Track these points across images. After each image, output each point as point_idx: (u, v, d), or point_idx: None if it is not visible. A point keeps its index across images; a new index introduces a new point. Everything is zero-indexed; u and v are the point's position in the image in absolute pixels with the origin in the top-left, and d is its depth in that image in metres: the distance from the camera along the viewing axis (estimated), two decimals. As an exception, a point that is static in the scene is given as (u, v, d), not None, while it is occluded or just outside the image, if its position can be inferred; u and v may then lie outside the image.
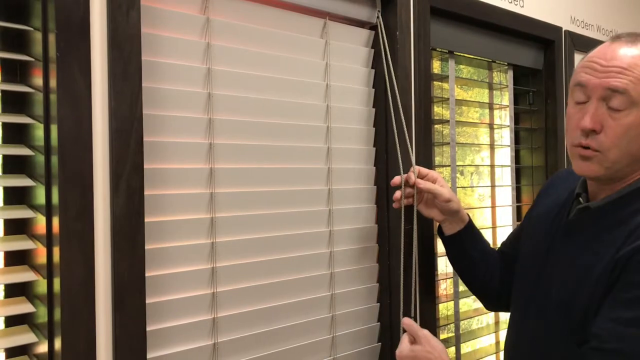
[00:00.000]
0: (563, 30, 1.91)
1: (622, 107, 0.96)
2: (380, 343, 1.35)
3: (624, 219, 0.98)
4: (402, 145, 1.32)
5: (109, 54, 0.89)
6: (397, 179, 1.27)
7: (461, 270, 1.36)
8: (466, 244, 1.31)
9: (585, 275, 0.99)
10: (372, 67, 1.37)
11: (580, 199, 1.09)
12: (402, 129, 1.32)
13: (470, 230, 1.32)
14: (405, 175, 1.28)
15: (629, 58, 0.97)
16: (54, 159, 0.84)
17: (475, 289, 1.37)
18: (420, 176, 1.28)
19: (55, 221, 0.83)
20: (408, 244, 1.31)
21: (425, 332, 1.17)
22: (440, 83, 1.62)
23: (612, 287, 0.95)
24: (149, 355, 0.94)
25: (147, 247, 0.93)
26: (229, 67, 1.09)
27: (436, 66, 1.61)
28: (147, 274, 0.93)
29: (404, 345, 1.16)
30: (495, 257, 1.32)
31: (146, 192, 0.93)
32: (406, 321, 1.20)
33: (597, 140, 0.98)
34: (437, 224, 1.36)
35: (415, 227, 1.31)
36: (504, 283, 1.28)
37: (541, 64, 1.87)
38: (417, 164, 1.36)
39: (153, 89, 0.98)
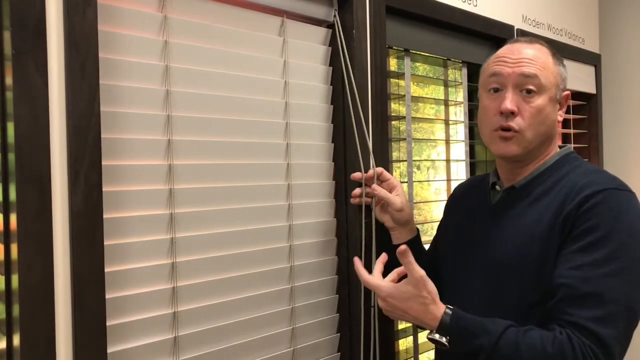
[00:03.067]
0: (515, 28, 1.97)
1: (536, 89, 1.11)
2: (339, 334, 1.39)
3: (546, 190, 1.12)
4: (361, 141, 1.35)
5: (65, 51, 0.89)
6: (357, 175, 1.33)
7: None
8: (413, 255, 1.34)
9: (534, 228, 1.08)
10: (329, 65, 1.40)
11: (497, 186, 1.22)
12: (361, 125, 1.36)
13: (416, 244, 1.37)
14: (367, 175, 1.33)
15: (533, 52, 1.14)
16: (11, 157, 0.84)
17: None
18: (383, 179, 1.35)
19: (13, 218, 0.84)
20: (367, 237, 1.35)
21: (423, 273, 1.08)
22: (396, 80, 1.66)
23: (565, 242, 1.04)
24: (109, 350, 0.95)
25: (106, 243, 0.94)
26: (187, 64, 1.10)
27: (393, 64, 1.65)
28: (106, 270, 0.94)
29: (384, 282, 1.12)
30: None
31: (105, 189, 0.94)
32: (402, 248, 1.07)
33: (516, 122, 1.12)
34: None
35: (373, 220, 1.35)
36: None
37: (494, 62, 1.93)
38: (374, 159, 1.41)
39: (111, 87, 0.98)
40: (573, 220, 1.03)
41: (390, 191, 1.34)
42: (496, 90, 1.15)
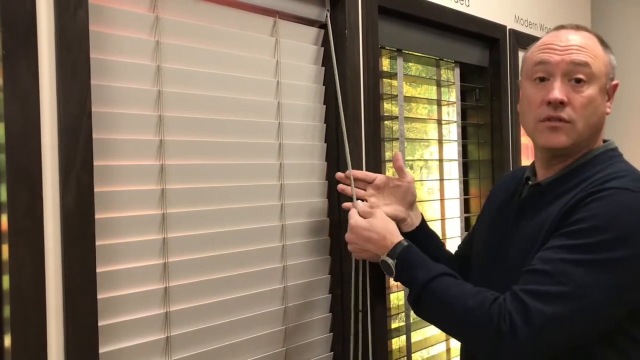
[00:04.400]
0: (507, 28, 1.98)
1: (586, 79, 1.05)
2: (332, 333, 1.39)
3: (567, 190, 1.06)
4: (350, 143, 1.35)
5: (56, 52, 0.89)
6: (342, 173, 1.32)
7: None
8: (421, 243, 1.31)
9: (536, 234, 1.06)
10: (322, 65, 1.40)
11: (529, 181, 1.17)
12: (349, 125, 1.36)
13: (426, 226, 1.37)
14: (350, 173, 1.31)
15: (582, 39, 1.08)
16: (2, 157, 0.84)
17: None
18: (368, 180, 1.33)
19: (4, 218, 0.84)
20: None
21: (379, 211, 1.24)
22: (389, 80, 1.66)
23: (557, 230, 1.01)
24: (101, 350, 0.95)
25: (98, 243, 0.94)
26: (179, 64, 1.10)
27: (385, 64, 1.66)
28: (98, 270, 0.94)
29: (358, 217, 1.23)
30: (450, 260, 1.34)
31: (96, 189, 0.94)
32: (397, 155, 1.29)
33: (566, 112, 1.06)
34: None
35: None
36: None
37: (487, 62, 1.94)
38: (367, 159, 1.42)
39: (103, 87, 0.98)
40: (573, 210, 1.01)
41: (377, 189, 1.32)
42: (542, 79, 1.09)
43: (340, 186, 1.32)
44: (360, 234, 1.21)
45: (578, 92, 1.06)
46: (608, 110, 1.11)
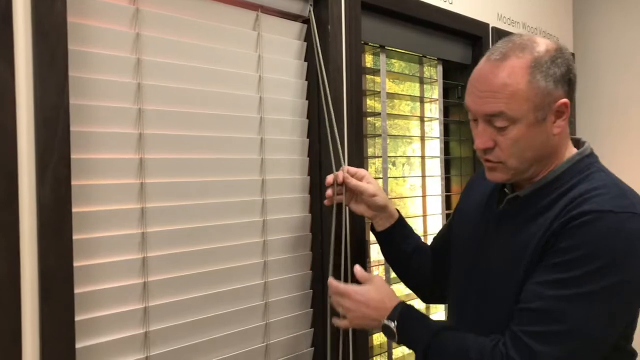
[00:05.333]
0: (490, 26, 1.99)
1: (504, 125, 1.03)
2: (313, 329, 1.39)
3: (548, 205, 1.06)
4: (333, 138, 1.35)
5: (33, 42, 0.88)
6: (329, 178, 1.31)
7: (394, 265, 1.42)
8: (397, 239, 1.36)
9: (521, 252, 1.05)
10: (305, 60, 1.40)
11: (505, 189, 1.16)
12: (333, 121, 1.36)
13: (400, 226, 1.37)
14: (336, 173, 1.32)
15: (497, 79, 1.02)
16: (-24, 149, 0.82)
17: (410, 283, 1.43)
18: (350, 174, 1.32)
19: (-22, 211, 0.82)
20: (340, 233, 1.35)
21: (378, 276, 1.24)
22: (372, 77, 1.67)
23: (544, 256, 1.02)
24: (78, 345, 0.94)
25: (75, 237, 0.93)
26: (159, 57, 1.09)
27: (368, 60, 1.66)
28: (75, 264, 0.93)
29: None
30: (427, 253, 1.38)
31: (74, 182, 0.93)
32: (357, 269, 1.24)
33: (494, 155, 1.06)
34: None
35: (347, 217, 1.35)
36: (437, 277, 1.34)
37: (469, 59, 1.95)
38: (349, 155, 1.41)
39: (81, 79, 0.97)
40: (557, 236, 1.00)
41: (360, 180, 1.32)
42: (475, 119, 1.08)
43: (329, 202, 1.32)
44: (358, 300, 1.18)
45: (503, 135, 1.04)
46: (556, 130, 1.05)
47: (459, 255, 1.25)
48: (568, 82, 1.05)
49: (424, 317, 1.15)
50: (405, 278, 1.42)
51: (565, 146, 1.10)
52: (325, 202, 1.33)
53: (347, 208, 1.37)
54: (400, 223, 1.37)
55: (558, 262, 0.99)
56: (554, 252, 1.00)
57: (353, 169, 1.34)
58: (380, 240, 1.39)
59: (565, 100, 1.04)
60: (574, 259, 0.98)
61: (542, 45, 1.05)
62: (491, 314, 1.10)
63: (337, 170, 1.33)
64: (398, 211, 1.38)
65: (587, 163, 1.09)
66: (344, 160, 1.37)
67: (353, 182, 1.31)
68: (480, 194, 1.24)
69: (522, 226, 1.08)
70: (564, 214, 1.01)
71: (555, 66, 1.03)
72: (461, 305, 1.20)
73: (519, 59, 1.02)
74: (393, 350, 1.67)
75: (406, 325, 1.13)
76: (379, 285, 1.20)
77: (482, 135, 1.06)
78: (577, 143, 1.14)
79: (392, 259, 1.41)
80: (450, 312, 1.28)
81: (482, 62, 1.07)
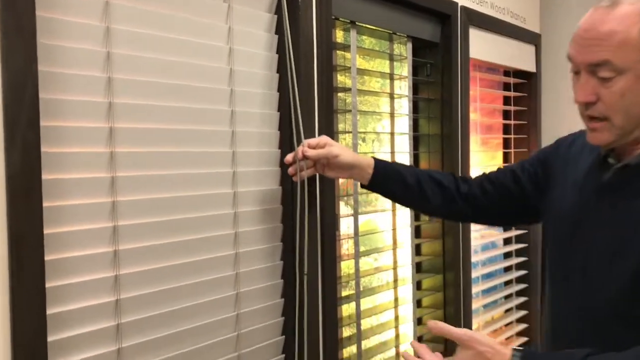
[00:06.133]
0: (459, 5, 2.01)
1: (609, 76, 0.96)
2: (283, 299, 1.42)
3: None
4: (295, 113, 1.36)
5: (2, 7, 0.87)
6: (289, 157, 1.32)
7: (409, 203, 1.45)
8: (389, 182, 1.34)
9: (635, 231, 0.97)
10: (275, 33, 1.40)
11: (609, 159, 1.07)
12: (296, 96, 1.37)
13: (383, 169, 1.34)
14: (297, 149, 1.32)
15: (606, 26, 0.96)
16: (-57, 113, 0.82)
17: (433, 212, 1.47)
18: (311, 146, 1.31)
19: (-55, 176, 0.82)
20: (310, 207, 1.37)
21: (466, 331, 1.00)
22: (342, 52, 1.68)
23: None
24: (49, 312, 0.94)
25: (45, 204, 0.93)
26: (129, 27, 1.09)
27: (339, 36, 1.67)
28: (46, 231, 0.93)
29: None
30: (448, 180, 1.36)
31: (44, 149, 0.93)
32: (431, 324, 1.03)
33: (597, 110, 0.99)
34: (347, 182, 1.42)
35: (318, 190, 1.37)
36: (477, 213, 1.37)
37: (438, 38, 1.98)
38: (319, 130, 1.43)
39: (51, 73, 0.96)
40: None
41: (323, 147, 1.32)
42: (577, 72, 1.01)
43: (294, 176, 1.32)
44: (475, 349, 0.97)
45: (607, 87, 0.97)
46: None
47: (556, 229, 1.18)
48: None
49: (552, 354, 1.04)
50: (423, 206, 1.44)
51: None
52: (294, 178, 1.34)
53: (317, 182, 1.39)
54: (380, 167, 1.34)
55: None
56: None
57: (314, 141, 1.33)
58: (377, 192, 1.40)
59: None
60: None
61: None
62: (593, 295, 1.03)
63: (299, 146, 1.33)
64: (375, 159, 1.36)
65: None
66: (315, 136, 1.38)
67: (312, 152, 1.29)
68: (572, 174, 1.15)
69: (634, 200, 1.00)
70: None
71: None
72: (564, 289, 1.12)
73: (632, 5, 0.96)
74: (362, 321, 1.71)
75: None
76: (473, 346, 0.98)
77: (584, 88, 0.98)
78: None
79: (401, 199, 1.42)
80: (551, 293, 1.18)
81: (591, 10, 1.00)
